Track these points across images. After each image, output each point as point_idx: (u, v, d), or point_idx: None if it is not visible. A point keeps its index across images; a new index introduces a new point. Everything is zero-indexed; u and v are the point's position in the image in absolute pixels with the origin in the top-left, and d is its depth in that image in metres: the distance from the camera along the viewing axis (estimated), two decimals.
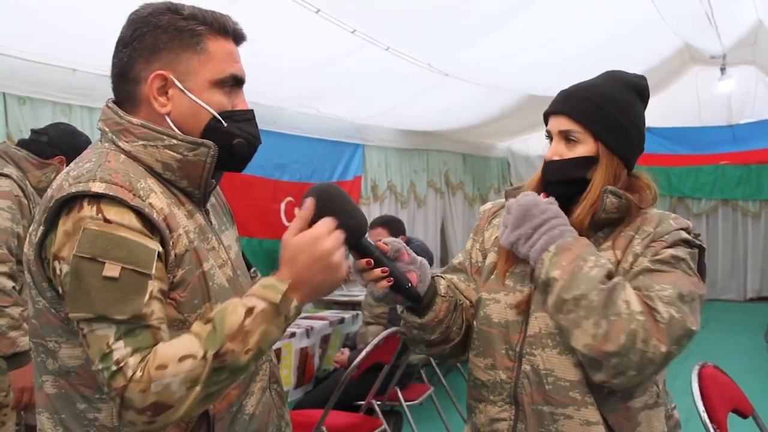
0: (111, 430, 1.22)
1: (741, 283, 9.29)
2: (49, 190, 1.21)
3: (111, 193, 1.14)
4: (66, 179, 1.18)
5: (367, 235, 1.35)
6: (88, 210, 1.13)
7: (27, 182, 2.63)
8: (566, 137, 1.49)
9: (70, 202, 1.15)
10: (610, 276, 1.36)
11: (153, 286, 1.15)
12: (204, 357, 1.11)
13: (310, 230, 1.22)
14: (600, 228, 1.49)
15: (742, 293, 9.26)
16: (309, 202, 1.26)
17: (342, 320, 4.66)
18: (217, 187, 1.48)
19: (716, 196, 9.30)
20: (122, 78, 1.29)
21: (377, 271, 1.35)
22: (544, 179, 1.54)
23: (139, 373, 1.09)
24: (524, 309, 1.48)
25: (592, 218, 1.46)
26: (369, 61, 4.75)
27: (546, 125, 1.56)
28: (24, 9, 3.10)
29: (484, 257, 1.62)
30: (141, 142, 1.26)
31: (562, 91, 1.55)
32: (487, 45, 5.06)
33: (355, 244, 1.33)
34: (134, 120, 1.26)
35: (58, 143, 2.75)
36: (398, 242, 1.42)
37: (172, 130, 1.27)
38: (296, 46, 4.14)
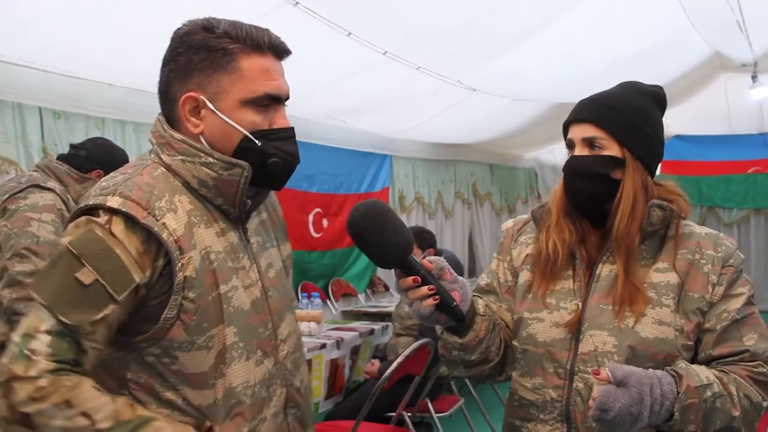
0: None
1: None
2: (81, 199, 1.27)
3: (124, 209, 1.17)
4: (95, 189, 1.23)
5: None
6: (101, 218, 1.18)
7: (69, 196, 2.68)
8: (591, 144, 1.48)
9: (90, 210, 1.20)
10: (719, 380, 1.38)
11: (111, 310, 1.16)
12: (99, 430, 1.12)
13: None
14: (642, 240, 1.47)
15: None
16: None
17: (372, 331, 4.66)
18: (275, 201, 1.50)
19: (748, 206, 9.16)
20: (162, 97, 1.32)
21: (424, 289, 1.34)
22: (567, 176, 1.51)
23: (44, 382, 1.10)
24: (575, 327, 1.46)
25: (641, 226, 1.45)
26: (399, 79, 4.78)
27: (566, 135, 1.54)
28: (60, 26, 3.17)
29: (514, 276, 1.60)
30: (180, 157, 1.28)
31: (581, 100, 1.55)
32: (515, 57, 5.05)
33: (402, 262, 1.32)
34: (176, 135, 1.29)
35: (96, 158, 2.81)
36: (442, 261, 1.40)
37: (209, 149, 1.28)
38: (326, 63, 4.16)
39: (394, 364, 3.16)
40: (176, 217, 1.23)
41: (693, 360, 1.43)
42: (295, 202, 5.58)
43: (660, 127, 1.53)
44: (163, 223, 1.20)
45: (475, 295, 1.55)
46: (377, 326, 4.78)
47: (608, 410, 1.29)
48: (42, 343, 1.11)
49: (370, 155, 6.54)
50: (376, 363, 4.02)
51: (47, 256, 2.45)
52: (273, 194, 1.51)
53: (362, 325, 4.79)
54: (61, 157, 2.83)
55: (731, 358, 1.41)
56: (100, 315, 1.15)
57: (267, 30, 1.30)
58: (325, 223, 6.02)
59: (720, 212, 9.23)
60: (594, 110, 1.50)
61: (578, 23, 4.85)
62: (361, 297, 6.40)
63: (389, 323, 4.79)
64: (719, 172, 8.90)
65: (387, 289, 6.73)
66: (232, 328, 1.26)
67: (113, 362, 1.24)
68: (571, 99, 6.25)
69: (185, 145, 1.27)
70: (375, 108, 5.41)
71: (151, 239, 1.19)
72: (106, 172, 2.73)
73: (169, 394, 1.23)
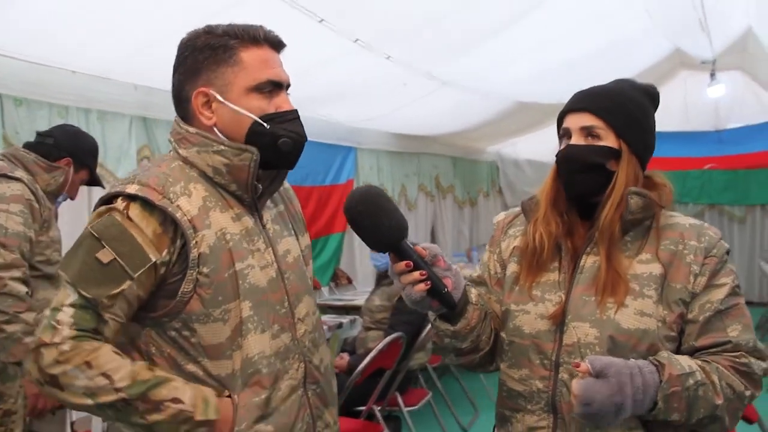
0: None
1: None
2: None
3: (141, 194, 1.32)
4: (118, 180, 1.41)
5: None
6: (119, 204, 1.33)
7: (37, 186, 2.59)
8: (588, 133, 1.49)
9: (111, 198, 1.36)
10: (701, 369, 1.39)
11: (128, 286, 1.30)
12: (117, 389, 1.27)
13: None
14: (626, 231, 1.48)
15: None
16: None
17: (340, 325, 4.65)
18: (293, 196, 1.64)
19: (703, 201, 9.39)
20: (176, 99, 1.46)
21: (416, 274, 1.36)
22: (562, 164, 1.52)
23: (66, 346, 1.26)
24: (559, 319, 1.48)
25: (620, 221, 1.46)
26: (369, 68, 4.76)
27: (559, 126, 1.55)
28: (23, 11, 3.06)
29: (503, 268, 1.62)
30: (195, 149, 1.42)
31: (579, 91, 1.55)
32: (483, 53, 5.09)
33: (395, 246, 1.35)
34: (191, 129, 1.42)
35: (64, 145, 2.72)
36: (435, 248, 1.42)
37: (221, 138, 1.41)
38: (297, 51, 4.11)
39: (368, 358, 3.15)
40: (190, 200, 1.36)
41: (677, 351, 1.45)
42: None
43: (654, 123, 1.55)
44: (177, 205, 1.34)
45: (468, 284, 1.56)
46: (345, 320, 4.77)
47: (590, 403, 1.30)
48: (66, 314, 1.28)
49: (335, 147, 6.51)
50: (345, 356, 4.01)
51: (16, 249, 2.38)
52: (290, 189, 1.66)
53: (330, 319, 4.77)
54: (28, 146, 2.73)
55: (714, 349, 1.43)
56: (118, 290, 1.29)
57: (261, 26, 1.44)
58: None
59: (677, 207, 9.40)
60: (593, 100, 1.51)
61: (545, 21, 4.89)
62: (325, 290, 6.37)
63: (357, 317, 4.78)
64: (676, 168, 9.09)
65: (350, 282, 6.71)
66: (248, 303, 1.38)
67: (140, 338, 1.38)
68: (538, 97, 6.37)
69: (200, 137, 1.41)
70: (344, 97, 5.37)
71: (167, 221, 1.33)
72: (75, 160, 2.72)
73: (191, 366, 1.36)
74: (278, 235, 1.50)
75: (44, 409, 2.41)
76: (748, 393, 1.42)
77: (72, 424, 2.53)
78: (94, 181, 2.86)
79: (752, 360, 1.42)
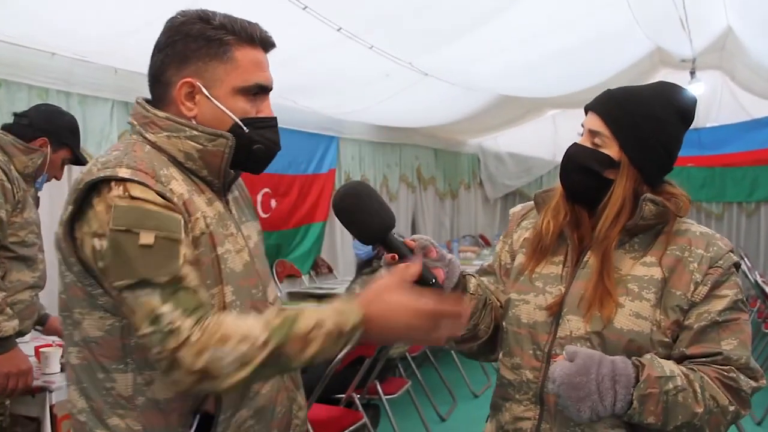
0: (126, 399, 1.31)
1: None
2: (79, 174, 1.30)
3: (136, 178, 1.24)
4: (95, 164, 1.28)
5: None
6: (116, 190, 1.24)
7: (12, 167, 2.57)
8: (593, 138, 1.49)
9: (99, 185, 1.25)
10: (684, 376, 1.37)
11: (184, 250, 1.25)
12: (264, 344, 1.19)
13: (417, 303, 1.24)
14: (635, 234, 1.48)
15: None
16: (414, 268, 1.30)
17: None
18: (242, 183, 1.58)
19: None
20: (155, 79, 1.39)
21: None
22: (563, 160, 1.53)
23: (195, 336, 1.18)
24: (556, 311, 1.49)
25: (625, 225, 1.46)
26: (352, 58, 4.76)
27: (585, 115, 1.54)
28: None
29: (513, 258, 1.64)
30: (165, 133, 1.36)
31: (607, 90, 1.53)
32: (465, 46, 5.10)
33: (383, 239, 1.37)
34: (159, 113, 1.36)
35: (39, 125, 2.69)
36: (426, 239, 1.44)
37: (192, 122, 1.36)
38: (280, 38, 4.09)
39: (348, 346, 3.15)
40: (179, 183, 1.32)
41: (668, 357, 1.43)
42: (244, 182, 5.49)
43: (673, 140, 1.49)
44: (171, 189, 1.29)
45: (469, 274, 1.58)
46: None
47: (554, 380, 1.32)
48: (170, 314, 1.19)
49: (317, 136, 6.51)
50: None
51: None
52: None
53: (310, 307, 4.77)
54: (5, 127, 2.71)
55: (704, 359, 1.41)
56: (181, 259, 1.23)
57: (257, 24, 1.41)
58: (273, 203, 5.96)
59: None
60: (608, 106, 1.49)
61: (529, 14, 4.91)
62: (305, 278, 6.38)
63: None
64: None
65: (331, 270, 6.72)
66: (230, 288, 1.35)
67: (117, 331, 1.29)
68: (519, 91, 6.38)
69: (169, 122, 1.35)
70: (326, 88, 5.37)
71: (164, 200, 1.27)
72: (53, 140, 2.68)
73: None
74: (240, 220, 1.48)
75: (15, 389, 2.40)
76: (732, 408, 1.39)
77: (51, 407, 2.52)
78: (77, 160, 2.81)
79: (742, 377, 1.40)
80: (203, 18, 1.37)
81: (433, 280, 1.40)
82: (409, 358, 4.62)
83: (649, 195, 1.45)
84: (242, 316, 1.26)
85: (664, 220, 1.47)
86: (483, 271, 1.70)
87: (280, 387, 1.46)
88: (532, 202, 1.65)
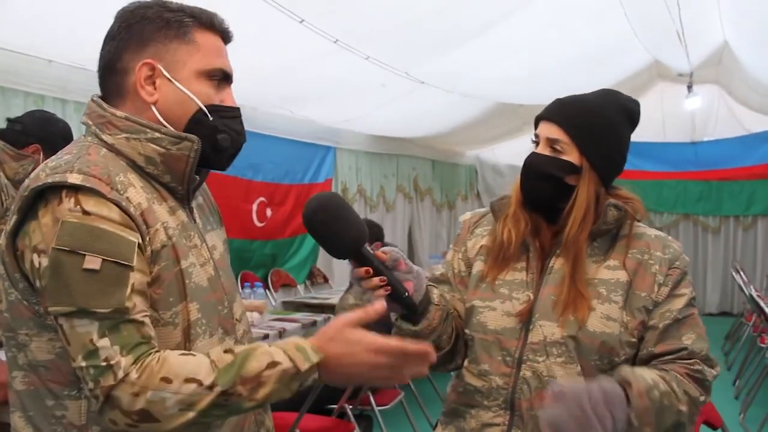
0: (78, 428, 1.19)
1: (700, 297, 9.42)
2: (26, 180, 1.18)
3: (88, 185, 1.12)
4: (43, 170, 1.16)
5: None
6: (66, 202, 1.11)
7: (1, 173, 2.55)
8: (553, 146, 1.52)
9: (47, 193, 1.13)
10: (662, 379, 1.42)
11: (134, 278, 1.13)
12: (210, 387, 1.09)
13: (381, 341, 1.15)
14: (595, 238, 1.53)
15: (701, 307, 9.42)
16: (379, 306, 1.19)
17: (314, 323, 4.63)
18: (206, 188, 1.47)
19: (678, 210, 9.51)
20: (109, 70, 1.27)
21: (375, 280, 1.37)
22: (523, 171, 1.55)
23: (134, 375, 1.07)
24: (526, 317, 1.50)
25: (590, 230, 1.50)
26: (348, 68, 4.78)
27: (536, 129, 1.57)
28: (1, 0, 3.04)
29: (468, 266, 1.64)
30: (124, 135, 1.23)
31: (558, 99, 1.57)
32: (464, 54, 5.12)
33: (355, 253, 1.35)
34: (118, 113, 1.24)
35: (32, 131, 2.65)
36: (396, 252, 1.44)
37: (157, 122, 1.25)
38: (277, 50, 4.14)
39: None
40: (136, 191, 1.19)
41: (635, 357, 1.49)
42: (239, 191, 5.50)
43: (625, 143, 1.56)
44: (128, 198, 1.17)
45: (430, 285, 1.57)
46: (319, 318, 4.75)
47: (552, 426, 1.31)
48: (107, 349, 1.08)
49: (314, 146, 6.52)
50: None
51: None
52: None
53: (304, 317, 4.76)
54: (1, 133, 2.70)
55: (670, 356, 1.47)
56: (128, 288, 1.11)
57: (215, 13, 1.32)
58: (268, 212, 5.96)
59: (652, 216, 9.53)
60: (564, 113, 1.53)
61: (527, 24, 4.93)
62: (300, 288, 6.37)
63: (331, 315, 4.77)
64: (653, 178, 9.20)
65: (326, 280, 6.71)
66: (195, 305, 1.24)
67: (68, 354, 1.15)
68: (515, 99, 6.40)
69: (129, 122, 1.23)
70: (323, 97, 5.39)
71: (121, 214, 1.15)
72: (44, 146, 2.66)
73: None
74: (203, 230, 1.36)
75: (2, 399, 2.38)
76: (702, 399, 1.46)
77: None
78: None
79: (705, 367, 1.47)
80: (158, 2, 1.27)
81: (406, 294, 1.42)
82: None
83: (612, 200, 1.51)
84: (187, 354, 1.15)
85: (621, 224, 1.53)
86: (436, 280, 1.68)
87: (247, 413, 1.34)
88: (483, 209, 1.69)
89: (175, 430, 1.10)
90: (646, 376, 1.39)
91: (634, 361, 1.49)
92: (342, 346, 1.14)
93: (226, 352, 1.14)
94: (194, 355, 1.14)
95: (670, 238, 1.57)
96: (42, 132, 2.67)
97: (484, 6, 4.56)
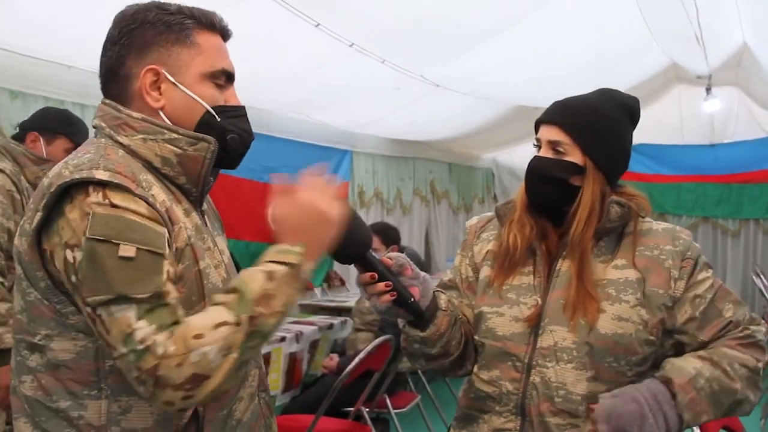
0: (97, 428, 1.18)
1: None
2: (45, 179, 1.18)
3: (115, 181, 1.12)
4: (65, 167, 1.16)
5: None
6: (94, 196, 1.11)
7: (22, 177, 2.60)
8: (555, 148, 1.51)
9: (72, 190, 1.13)
10: (708, 362, 1.43)
11: (167, 265, 1.14)
12: (238, 322, 1.11)
13: (298, 196, 1.22)
14: (601, 237, 1.52)
15: None
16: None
17: (331, 326, 4.65)
18: (208, 196, 1.47)
19: (697, 214, 9.41)
20: (112, 76, 1.27)
21: (381, 285, 1.38)
22: (527, 174, 1.55)
23: (172, 348, 1.07)
24: (535, 322, 1.49)
25: (595, 229, 1.50)
26: (363, 72, 4.78)
27: (536, 133, 1.57)
28: (20, 5, 3.07)
29: (475, 272, 1.64)
30: (141, 136, 1.24)
31: (556, 101, 1.57)
32: (479, 56, 5.09)
33: (361, 258, 1.35)
34: (134, 114, 1.24)
35: (27, 124, 2.75)
36: (402, 257, 1.44)
37: (171, 125, 1.26)
38: (292, 54, 4.15)
39: (357, 360, 3.16)
40: (159, 190, 1.21)
41: (659, 355, 1.49)
42: (255, 194, 5.51)
43: (626, 139, 1.56)
44: (153, 195, 1.18)
45: (438, 291, 1.57)
46: (336, 321, 4.77)
47: (607, 416, 1.35)
48: (143, 329, 1.08)
49: (331, 150, 6.52)
50: (335, 358, 4.01)
51: None
52: None
53: (321, 320, 4.78)
54: (16, 137, 2.76)
55: (720, 336, 1.47)
56: (164, 275, 1.12)
57: (214, 12, 1.32)
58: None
59: (670, 219, 9.43)
60: (564, 114, 1.53)
61: (543, 26, 4.90)
62: (318, 291, 6.38)
63: (348, 318, 4.79)
64: (670, 180, 9.12)
65: (343, 283, 6.72)
66: (237, 277, 1.23)
67: (91, 353, 1.18)
68: (531, 101, 6.38)
69: (146, 123, 1.24)
70: (338, 101, 5.40)
71: (149, 208, 1.16)
72: (43, 132, 2.71)
73: None
74: (214, 233, 1.37)
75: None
76: (761, 364, 1.46)
77: None
78: None
79: (753, 328, 1.48)
80: (157, 5, 1.28)
81: (411, 300, 1.42)
82: (420, 372, 4.60)
83: (614, 197, 1.50)
84: (201, 311, 1.16)
85: (626, 221, 1.52)
86: (444, 286, 1.68)
87: (259, 414, 1.38)
88: (489, 214, 1.69)
89: (225, 381, 1.11)
90: (687, 366, 1.40)
91: (653, 361, 1.49)
92: (297, 228, 1.20)
93: (226, 293, 1.16)
94: (208, 308, 1.15)
95: (678, 228, 1.55)
96: (35, 120, 2.75)
97: (499, 9, 4.55)
